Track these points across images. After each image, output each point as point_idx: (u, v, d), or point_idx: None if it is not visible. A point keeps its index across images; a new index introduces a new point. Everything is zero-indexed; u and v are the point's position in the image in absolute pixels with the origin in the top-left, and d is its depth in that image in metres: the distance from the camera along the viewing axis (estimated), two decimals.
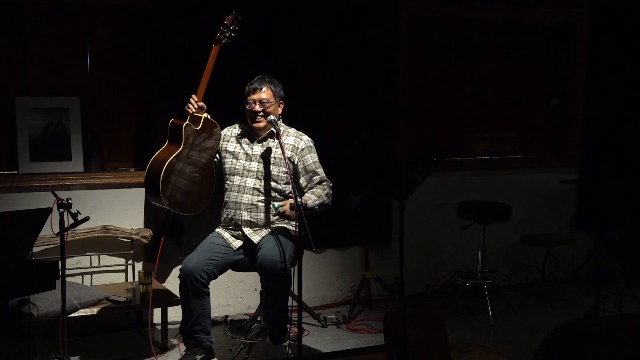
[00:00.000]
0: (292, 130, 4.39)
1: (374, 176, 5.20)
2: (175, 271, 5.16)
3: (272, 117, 4.22)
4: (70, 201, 3.84)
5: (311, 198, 4.20)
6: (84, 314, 4.42)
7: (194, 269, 4.13)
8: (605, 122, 6.30)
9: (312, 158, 4.35)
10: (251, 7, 5.11)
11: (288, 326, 4.33)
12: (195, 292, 4.15)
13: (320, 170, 4.36)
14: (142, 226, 5.06)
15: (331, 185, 4.37)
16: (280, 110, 4.35)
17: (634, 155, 6.37)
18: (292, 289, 4.15)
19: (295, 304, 4.03)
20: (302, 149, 4.32)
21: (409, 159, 5.35)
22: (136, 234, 4.96)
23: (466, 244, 5.84)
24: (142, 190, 5.06)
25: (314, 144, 4.41)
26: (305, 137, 4.38)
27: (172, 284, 5.09)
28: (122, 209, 5.04)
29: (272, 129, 4.27)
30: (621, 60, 6.29)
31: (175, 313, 5.01)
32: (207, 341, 4.26)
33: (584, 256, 6.25)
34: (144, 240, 4.98)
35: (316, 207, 4.20)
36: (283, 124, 4.39)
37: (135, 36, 5.10)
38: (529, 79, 6.39)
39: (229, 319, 5.16)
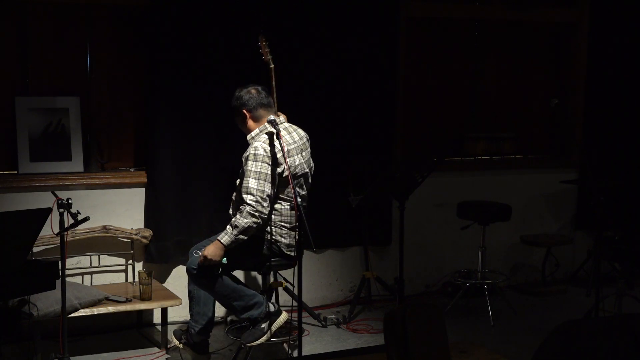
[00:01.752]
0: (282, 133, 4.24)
1: (374, 176, 5.20)
2: (176, 271, 5.16)
3: (271, 117, 4.20)
4: (70, 201, 3.84)
5: (227, 234, 4.08)
6: (84, 314, 4.42)
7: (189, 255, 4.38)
8: (605, 122, 6.29)
9: (248, 166, 4.13)
10: (251, 6, 5.12)
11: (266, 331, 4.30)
12: (189, 277, 4.33)
13: (246, 182, 4.10)
14: (142, 226, 5.06)
15: (254, 202, 4.05)
16: (247, 120, 4.26)
17: (634, 155, 6.36)
18: (293, 289, 4.14)
19: (295, 303, 4.03)
20: (247, 157, 4.18)
21: (409, 159, 5.36)
22: (136, 234, 4.96)
23: (466, 244, 5.83)
24: (142, 190, 5.08)
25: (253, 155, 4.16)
26: (255, 144, 4.17)
27: (172, 284, 5.10)
28: (122, 209, 5.03)
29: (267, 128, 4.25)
30: (621, 60, 6.29)
31: (175, 313, 5.02)
32: (192, 328, 4.29)
33: (584, 256, 6.25)
34: (144, 240, 4.98)
35: (235, 239, 4.06)
36: (283, 123, 4.35)
37: (135, 36, 5.10)
38: (529, 79, 6.38)
39: (229, 319, 5.15)
